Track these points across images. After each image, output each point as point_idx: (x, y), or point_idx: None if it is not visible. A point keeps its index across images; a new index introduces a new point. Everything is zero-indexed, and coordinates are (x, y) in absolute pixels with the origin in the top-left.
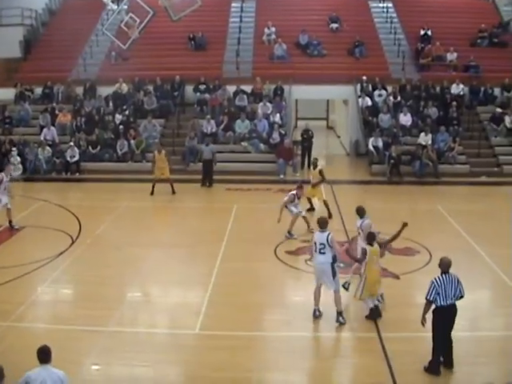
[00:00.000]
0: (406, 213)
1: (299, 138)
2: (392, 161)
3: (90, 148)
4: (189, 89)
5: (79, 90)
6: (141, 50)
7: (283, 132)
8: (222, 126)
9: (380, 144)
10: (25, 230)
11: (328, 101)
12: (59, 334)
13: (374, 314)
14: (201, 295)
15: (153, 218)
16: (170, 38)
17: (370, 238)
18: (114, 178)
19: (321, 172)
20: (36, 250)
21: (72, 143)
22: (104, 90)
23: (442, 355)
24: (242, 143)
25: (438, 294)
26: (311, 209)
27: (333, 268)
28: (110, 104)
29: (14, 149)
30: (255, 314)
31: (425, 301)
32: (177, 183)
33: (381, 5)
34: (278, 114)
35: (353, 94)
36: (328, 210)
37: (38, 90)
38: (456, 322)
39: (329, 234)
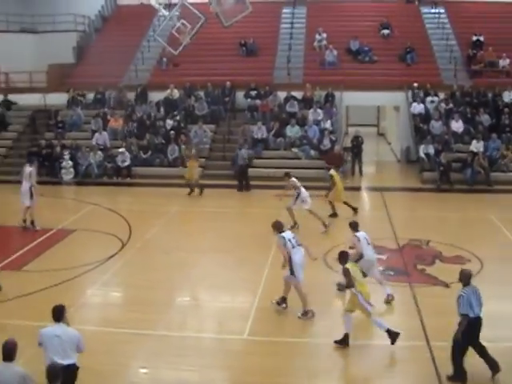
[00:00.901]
0: (456, 221)
1: (349, 145)
2: (441, 168)
3: (141, 153)
4: (240, 94)
5: (131, 96)
6: (192, 55)
7: (334, 138)
8: (272, 132)
9: (431, 151)
10: (75, 232)
11: (379, 107)
12: (108, 337)
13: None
14: (250, 300)
15: (202, 223)
16: (221, 43)
17: (343, 258)
18: (165, 182)
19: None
20: (86, 253)
21: (123, 148)
22: (155, 96)
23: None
24: (293, 149)
25: (470, 305)
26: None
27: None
28: (161, 109)
29: (66, 153)
30: (303, 320)
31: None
32: (227, 189)
33: (432, 10)
34: (328, 121)
35: (404, 101)
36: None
37: (90, 95)
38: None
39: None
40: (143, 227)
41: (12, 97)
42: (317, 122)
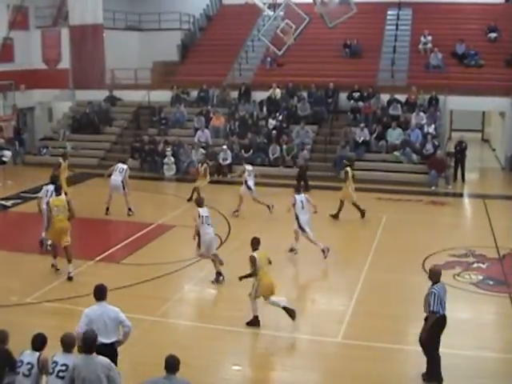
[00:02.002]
0: None
1: (453, 150)
2: None
3: (242, 151)
4: (342, 96)
5: (234, 94)
6: (295, 55)
7: (437, 143)
8: (374, 135)
9: None
10: (175, 228)
11: (484, 112)
12: (202, 333)
13: (254, 322)
14: (345, 303)
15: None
16: (324, 44)
17: (255, 243)
18: (265, 182)
19: (346, 173)
20: (184, 249)
21: (225, 146)
22: (258, 95)
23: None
24: (395, 153)
25: (441, 303)
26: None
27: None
28: (264, 109)
29: (168, 149)
30: (399, 326)
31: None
32: (327, 190)
33: None
34: (432, 125)
35: (510, 107)
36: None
37: (194, 93)
38: None
39: None
40: (242, 226)
41: (117, 93)
42: (420, 126)
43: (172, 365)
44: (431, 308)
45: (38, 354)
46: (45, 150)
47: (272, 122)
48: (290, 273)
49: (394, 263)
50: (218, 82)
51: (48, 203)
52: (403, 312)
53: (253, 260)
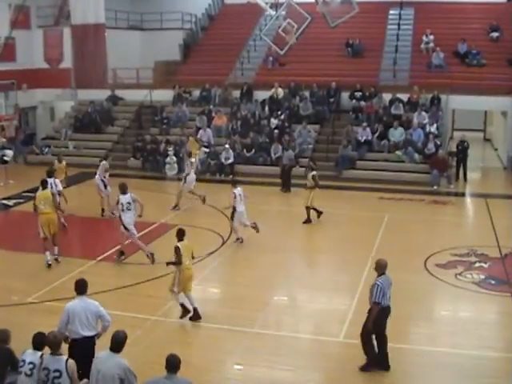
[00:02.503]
0: None
1: (454, 149)
2: None
3: (244, 151)
4: (344, 95)
5: (236, 94)
6: (297, 55)
7: (438, 142)
8: (376, 134)
9: None
10: (177, 227)
11: (486, 112)
12: (204, 332)
13: (185, 314)
14: (347, 303)
15: (303, 224)
16: (326, 44)
17: (180, 234)
18: (267, 181)
19: (314, 177)
20: None
21: (227, 145)
22: (260, 95)
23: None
24: (397, 152)
25: (384, 294)
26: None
27: None
28: (266, 108)
29: (170, 149)
30: (400, 325)
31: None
32: (329, 190)
33: None
34: (434, 124)
35: None
36: (308, 215)
37: (196, 93)
38: None
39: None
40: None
41: (119, 92)
42: (422, 126)
43: (173, 364)
44: (374, 299)
45: (39, 353)
46: (47, 150)
47: (274, 122)
48: (292, 272)
49: (396, 262)
50: (220, 82)
51: (35, 198)
52: (405, 311)
53: (176, 250)
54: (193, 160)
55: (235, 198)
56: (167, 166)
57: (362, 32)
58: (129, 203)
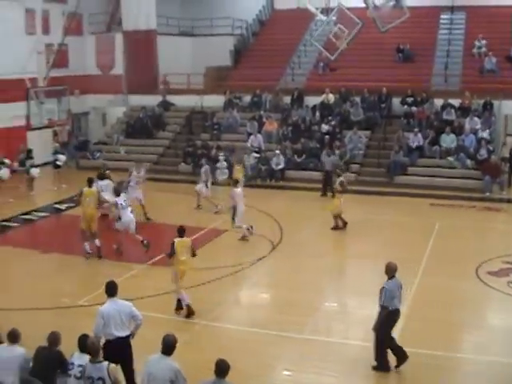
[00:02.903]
0: None
1: (507, 155)
2: None
3: (295, 156)
4: (396, 101)
5: (286, 99)
6: (348, 60)
7: (491, 148)
8: (428, 140)
9: None
10: (227, 232)
11: None
12: (253, 337)
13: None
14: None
15: (352, 229)
16: (377, 49)
17: (180, 231)
18: (318, 187)
19: (342, 183)
20: (237, 253)
21: (278, 151)
22: (311, 100)
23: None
24: (448, 158)
25: (392, 298)
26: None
27: None
28: (317, 114)
29: (221, 154)
30: (451, 333)
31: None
32: (380, 196)
33: None
34: (486, 130)
35: None
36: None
37: (247, 98)
38: None
39: None
40: (294, 230)
41: (170, 98)
42: (474, 131)
43: (222, 369)
44: (381, 302)
45: (86, 356)
46: (98, 154)
47: (325, 127)
48: (342, 277)
49: (447, 269)
50: (270, 87)
51: (81, 193)
52: (457, 319)
53: (171, 244)
54: (238, 190)
55: (236, 197)
56: (218, 172)
57: (413, 37)
58: (125, 201)
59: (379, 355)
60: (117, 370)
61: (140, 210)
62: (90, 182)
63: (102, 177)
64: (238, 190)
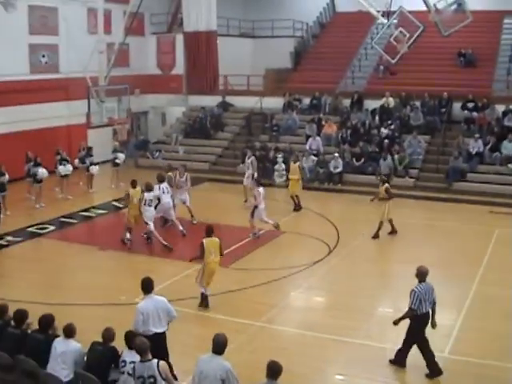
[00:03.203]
0: None
1: None
2: None
3: (353, 160)
4: (456, 106)
5: (346, 102)
6: (409, 64)
7: None
8: (488, 146)
9: None
10: (284, 235)
11: None
12: (306, 340)
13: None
14: (453, 318)
15: (409, 235)
16: (438, 53)
17: (208, 230)
18: (376, 191)
19: (387, 190)
20: (293, 255)
21: (336, 154)
22: (370, 104)
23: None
24: (509, 165)
25: (421, 301)
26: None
27: None
28: (376, 117)
29: (279, 156)
30: (508, 344)
31: (407, 309)
32: (438, 202)
33: None
34: None
35: None
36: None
37: (306, 100)
38: None
39: None
40: (351, 234)
41: (229, 99)
42: None
43: (274, 371)
44: (410, 305)
45: (135, 352)
46: (157, 154)
47: (384, 131)
48: (397, 283)
49: (506, 278)
50: (330, 90)
51: (128, 194)
52: None
53: (201, 245)
54: (261, 189)
55: (259, 196)
56: (276, 173)
57: (475, 41)
58: (151, 200)
59: (428, 362)
60: (167, 366)
61: (186, 211)
62: (133, 184)
63: (161, 179)
64: (261, 189)
